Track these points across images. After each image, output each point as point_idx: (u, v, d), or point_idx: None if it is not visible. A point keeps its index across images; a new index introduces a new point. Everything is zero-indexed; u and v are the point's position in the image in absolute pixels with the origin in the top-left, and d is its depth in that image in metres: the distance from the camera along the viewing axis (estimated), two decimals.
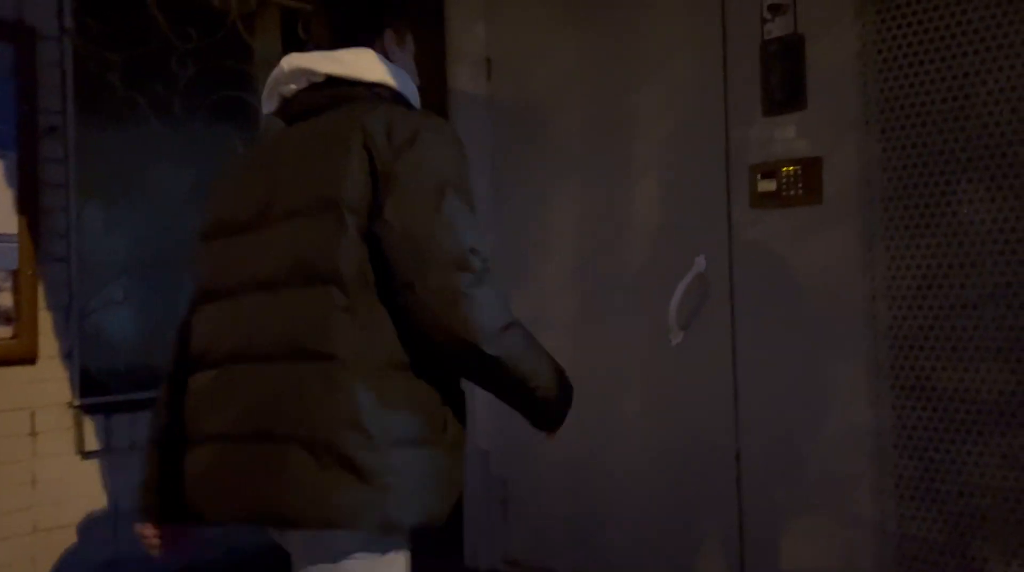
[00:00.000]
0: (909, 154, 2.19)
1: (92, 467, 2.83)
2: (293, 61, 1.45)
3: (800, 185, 2.37)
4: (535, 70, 3.00)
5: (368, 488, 1.25)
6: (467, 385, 1.37)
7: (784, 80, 2.39)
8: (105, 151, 2.97)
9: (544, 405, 1.41)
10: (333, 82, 1.42)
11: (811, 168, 2.35)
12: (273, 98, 1.49)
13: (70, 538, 2.76)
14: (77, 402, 2.78)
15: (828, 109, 2.33)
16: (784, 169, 2.39)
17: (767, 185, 2.42)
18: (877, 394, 2.25)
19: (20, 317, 2.66)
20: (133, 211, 3.05)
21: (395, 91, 1.45)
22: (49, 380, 2.74)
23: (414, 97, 1.50)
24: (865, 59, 2.26)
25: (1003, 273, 2.05)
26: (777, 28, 2.42)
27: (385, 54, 1.48)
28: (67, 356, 2.78)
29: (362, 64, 1.43)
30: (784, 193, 2.39)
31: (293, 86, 1.45)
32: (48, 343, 2.74)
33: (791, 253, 2.40)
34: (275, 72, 1.47)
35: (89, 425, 2.80)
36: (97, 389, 2.85)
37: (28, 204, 2.68)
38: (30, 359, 2.69)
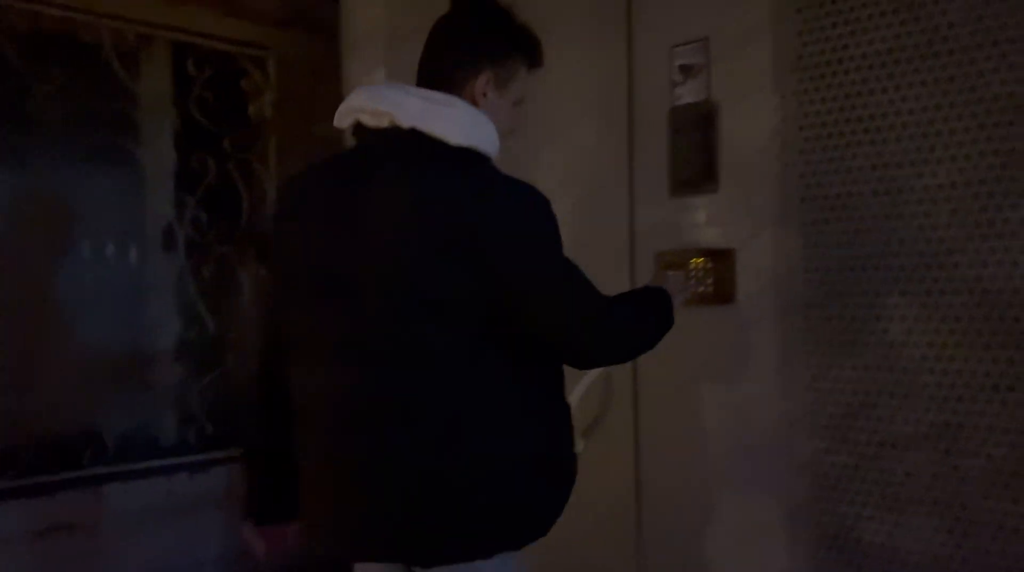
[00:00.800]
0: (834, 256, 1.82)
1: None
2: (381, 92, 1.43)
3: (710, 280, 1.99)
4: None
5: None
6: None
7: (694, 156, 2.01)
8: None
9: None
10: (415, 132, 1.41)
11: (722, 262, 1.97)
12: (347, 117, 1.47)
13: None
14: None
15: (743, 194, 1.96)
16: (693, 261, 2.01)
17: (675, 278, 2.04)
18: (794, 539, 1.88)
19: None
20: None
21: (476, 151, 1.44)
22: None
23: (492, 148, 1.47)
24: (784, 138, 1.88)
25: (940, 410, 1.67)
26: (688, 93, 2.04)
27: (473, 99, 1.47)
28: None
29: (443, 122, 1.41)
30: (692, 289, 2.01)
31: (370, 120, 1.43)
32: None
33: (699, 360, 2.03)
34: (361, 92, 1.47)
35: None
36: None
37: None
38: None
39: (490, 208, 1.38)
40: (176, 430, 3.11)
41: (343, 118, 1.47)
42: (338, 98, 2.41)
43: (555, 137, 2.29)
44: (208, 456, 3.03)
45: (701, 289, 1.98)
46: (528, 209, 1.42)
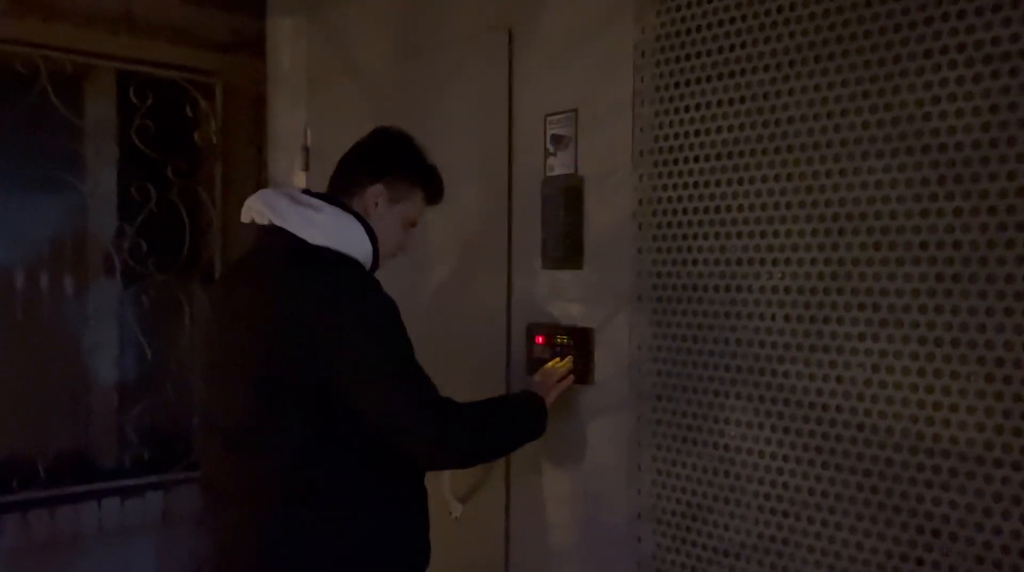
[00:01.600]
0: (681, 348, 1.75)
1: None
2: (263, 196, 1.65)
3: (569, 357, 1.94)
4: None
5: None
6: None
7: (561, 229, 1.95)
8: None
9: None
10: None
11: (583, 341, 1.92)
12: (246, 214, 1.70)
13: None
14: None
15: (604, 273, 1.89)
16: (559, 337, 1.96)
17: (543, 351, 2.00)
18: None
19: None
20: None
21: (336, 252, 1.58)
22: None
23: (358, 252, 1.61)
24: (640, 221, 1.81)
25: (767, 523, 1.60)
26: (560, 164, 1.97)
27: (365, 208, 1.67)
28: None
29: (305, 224, 1.59)
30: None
31: (257, 218, 1.67)
32: None
33: (561, 439, 1.98)
34: (256, 194, 1.67)
35: None
36: None
37: None
38: None
39: (324, 301, 1.49)
40: (111, 455, 3.17)
41: (244, 213, 1.67)
42: None
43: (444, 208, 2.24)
44: (143, 480, 3.08)
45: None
46: (360, 305, 1.52)
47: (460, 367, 2.15)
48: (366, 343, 1.51)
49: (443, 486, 2.19)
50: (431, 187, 1.77)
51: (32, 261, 3.00)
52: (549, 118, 1.97)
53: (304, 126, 2.74)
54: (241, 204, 1.68)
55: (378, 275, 1.66)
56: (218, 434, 1.62)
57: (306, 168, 2.76)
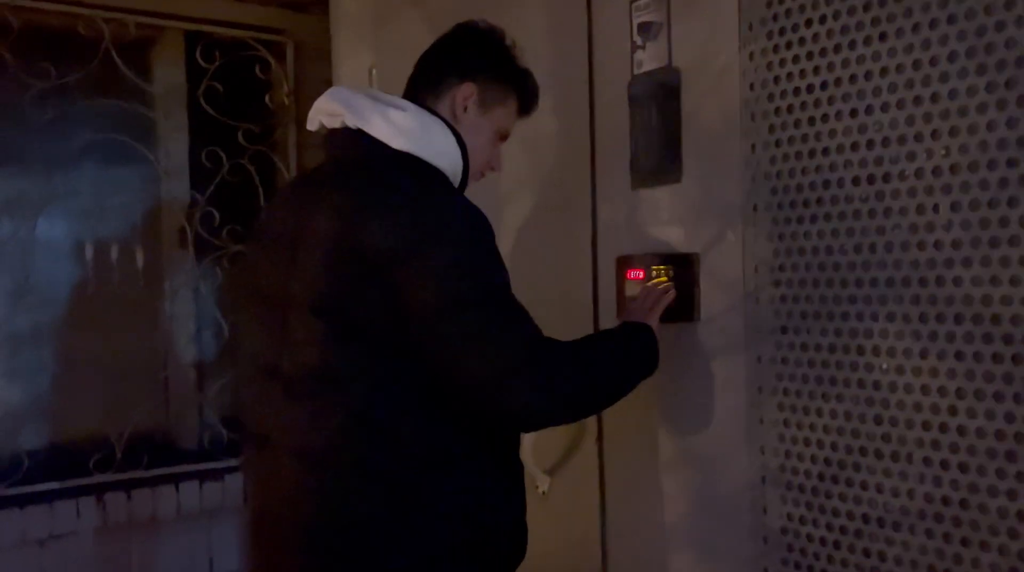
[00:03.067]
0: (809, 264, 1.37)
1: None
2: (335, 94, 1.37)
3: (671, 293, 1.59)
4: None
5: None
6: None
7: (654, 137, 1.60)
8: None
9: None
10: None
11: (684, 269, 1.57)
12: (314, 119, 1.43)
13: None
14: None
15: (708, 184, 1.54)
16: (654, 268, 1.62)
17: (635, 288, 1.66)
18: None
19: None
20: None
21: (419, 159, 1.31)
22: None
23: (445, 161, 1.34)
24: (753, 110, 1.45)
25: (937, 478, 1.21)
26: (648, 58, 1.63)
27: (453, 111, 1.40)
28: None
29: (386, 124, 1.32)
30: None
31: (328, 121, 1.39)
32: None
33: (660, 391, 1.63)
34: (325, 93, 1.40)
35: None
36: None
37: None
38: None
39: (404, 216, 1.22)
40: (190, 436, 3.01)
41: (311, 120, 1.42)
42: None
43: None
44: (222, 464, 2.91)
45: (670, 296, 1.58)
46: (447, 219, 1.24)
47: (538, 313, 1.83)
48: (453, 266, 1.21)
49: (526, 457, 1.88)
50: (526, 93, 1.48)
51: (104, 234, 2.87)
52: (634, 4, 1.63)
53: (369, 68, 2.48)
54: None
55: None
56: (275, 379, 1.32)
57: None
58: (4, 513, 2.53)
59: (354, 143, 1.33)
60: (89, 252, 2.81)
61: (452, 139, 1.34)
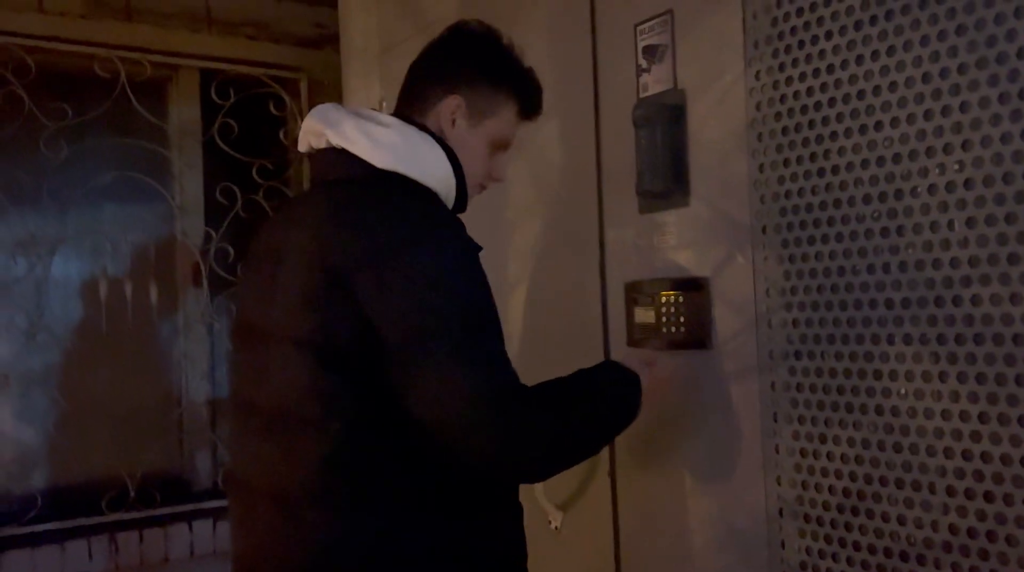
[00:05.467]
0: (822, 286, 1.33)
1: None
2: (319, 112, 1.31)
3: (682, 318, 1.54)
4: None
5: None
6: None
7: (662, 160, 1.57)
8: None
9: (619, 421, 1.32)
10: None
11: (694, 295, 1.52)
12: (303, 140, 1.36)
13: None
14: None
15: (716, 205, 1.50)
16: (663, 294, 1.58)
17: (645, 315, 1.61)
18: None
19: None
20: None
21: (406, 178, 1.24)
22: None
23: (434, 181, 1.26)
24: (760, 130, 1.41)
25: (962, 509, 1.15)
26: (654, 81, 1.61)
27: (440, 126, 1.32)
28: None
29: (368, 142, 1.25)
30: (664, 328, 1.58)
31: (314, 141, 1.33)
32: None
33: (673, 420, 1.58)
34: (311, 112, 1.34)
35: None
36: None
37: None
38: None
39: (381, 238, 1.15)
40: (204, 475, 2.98)
41: (300, 141, 1.36)
42: None
43: (522, 143, 1.91)
44: None
45: (673, 329, 1.53)
46: (425, 243, 1.16)
47: (548, 342, 1.80)
48: (424, 294, 1.14)
49: (538, 493, 1.83)
50: (526, 96, 1.38)
51: (118, 271, 2.88)
52: (639, 26, 1.61)
53: (380, 100, 2.48)
54: None
55: None
56: (254, 415, 1.27)
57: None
58: (16, 554, 2.51)
59: (337, 162, 1.27)
60: (103, 289, 2.81)
61: (441, 155, 1.27)
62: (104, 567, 2.64)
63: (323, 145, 1.30)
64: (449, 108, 1.33)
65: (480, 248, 1.24)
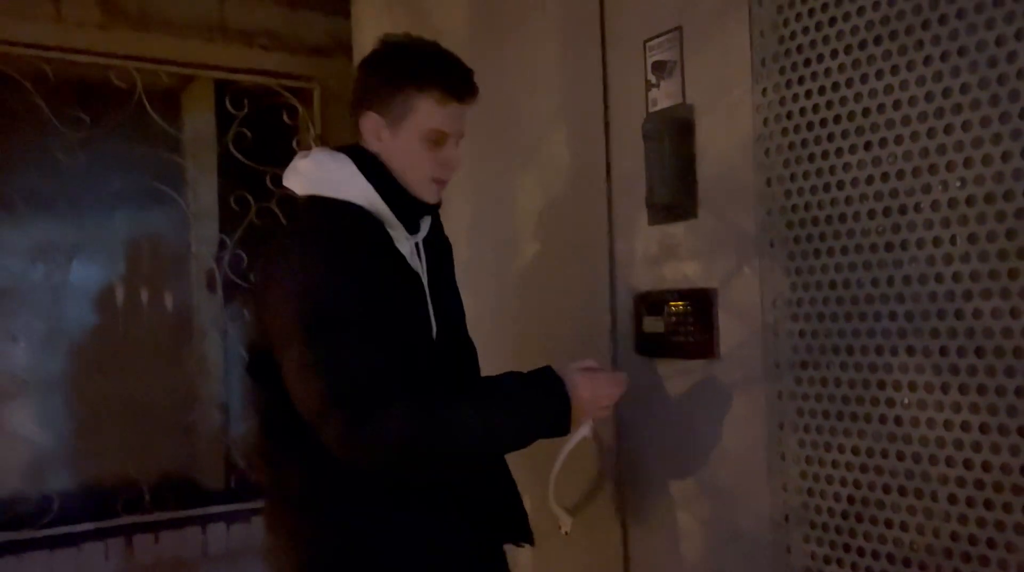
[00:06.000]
0: (827, 298, 1.36)
1: None
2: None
3: (691, 328, 1.58)
4: None
5: None
6: None
7: (670, 173, 1.61)
8: None
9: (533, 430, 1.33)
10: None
11: (702, 305, 1.56)
12: None
13: None
14: None
15: (724, 218, 1.54)
16: (672, 304, 1.61)
17: (654, 324, 1.65)
18: None
19: None
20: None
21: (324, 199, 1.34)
22: None
23: (351, 194, 1.32)
24: (767, 146, 1.45)
25: (962, 517, 1.18)
26: (663, 96, 1.64)
27: (377, 148, 1.38)
28: None
29: (293, 174, 1.41)
30: (673, 338, 1.61)
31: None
32: None
33: (681, 428, 1.61)
34: None
35: None
36: None
37: None
38: None
39: (272, 257, 1.33)
40: (217, 477, 3.02)
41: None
42: None
43: (531, 154, 1.95)
44: (249, 505, 2.91)
45: (682, 339, 1.56)
46: (295, 252, 1.29)
47: (558, 350, 1.83)
48: (286, 301, 1.25)
49: (548, 496, 1.86)
50: (439, 81, 1.34)
51: (134, 277, 2.92)
52: (648, 43, 1.65)
53: None
54: None
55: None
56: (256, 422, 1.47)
57: None
58: (34, 556, 2.55)
59: (287, 198, 1.47)
60: (119, 295, 2.86)
61: (353, 170, 1.32)
62: (120, 568, 2.68)
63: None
64: (369, 127, 1.38)
65: (370, 256, 1.28)
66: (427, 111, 1.35)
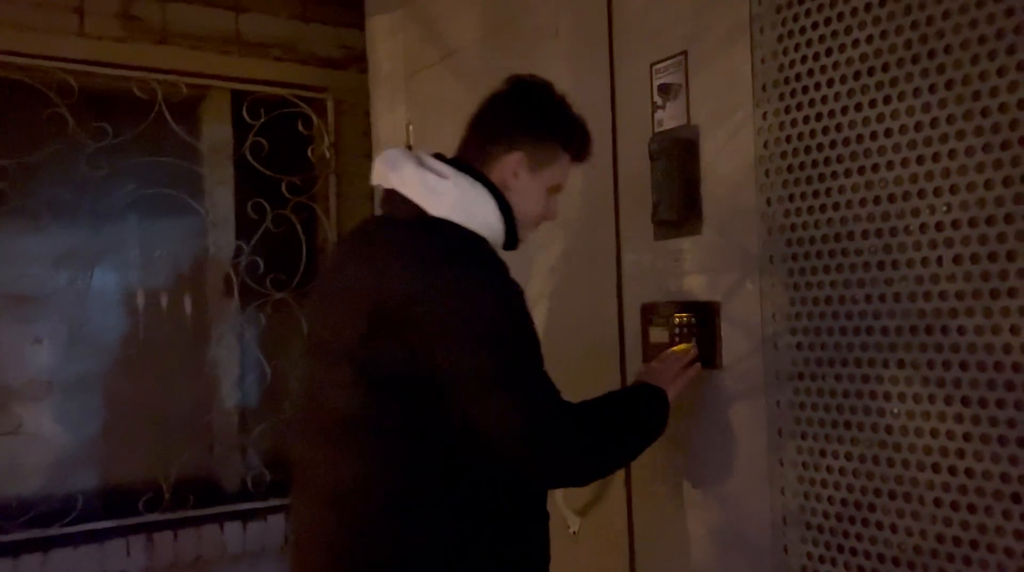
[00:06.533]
0: (823, 313, 1.45)
1: None
2: (385, 156, 1.45)
3: (694, 339, 1.66)
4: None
5: None
6: None
7: (676, 190, 1.69)
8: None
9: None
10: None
11: (706, 317, 1.64)
12: (375, 175, 1.48)
13: None
14: None
15: (727, 235, 1.62)
16: (676, 316, 1.70)
17: (659, 335, 1.74)
18: None
19: None
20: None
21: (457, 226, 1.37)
22: None
23: (486, 229, 1.39)
24: (767, 167, 1.53)
25: (947, 521, 1.27)
26: (668, 117, 1.73)
27: (503, 178, 1.44)
28: None
29: (426, 191, 1.38)
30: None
31: (382, 180, 1.46)
32: None
33: (686, 434, 1.70)
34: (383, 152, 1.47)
35: None
36: None
37: None
38: None
39: (430, 283, 1.28)
40: (234, 478, 3.11)
41: (373, 176, 1.49)
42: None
43: None
44: (265, 504, 3.00)
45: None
46: (472, 294, 1.29)
47: (568, 358, 1.91)
48: (475, 344, 1.27)
49: (558, 498, 1.95)
50: (576, 145, 1.52)
51: (154, 282, 3.01)
52: (655, 66, 1.73)
53: (406, 124, 2.61)
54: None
55: None
56: (313, 419, 1.41)
57: None
58: (59, 552, 2.64)
59: (397, 204, 1.41)
60: (140, 301, 2.95)
61: (492, 206, 1.40)
62: (142, 564, 2.77)
63: (388, 185, 1.44)
64: (511, 164, 1.45)
65: (521, 289, 1.36)
66: (562, 167, 1.50)
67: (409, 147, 2.66)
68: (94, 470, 2.91)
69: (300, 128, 3.20)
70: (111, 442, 2.89)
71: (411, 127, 2.61)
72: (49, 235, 2.82)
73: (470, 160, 1.46)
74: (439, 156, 1.46)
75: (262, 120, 3.10)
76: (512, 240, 1.47)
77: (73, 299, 2.85)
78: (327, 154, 3.19)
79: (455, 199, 1.37)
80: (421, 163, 1.41)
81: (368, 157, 3.15)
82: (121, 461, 2.92)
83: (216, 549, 2.93)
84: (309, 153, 3.22)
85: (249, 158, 3.09)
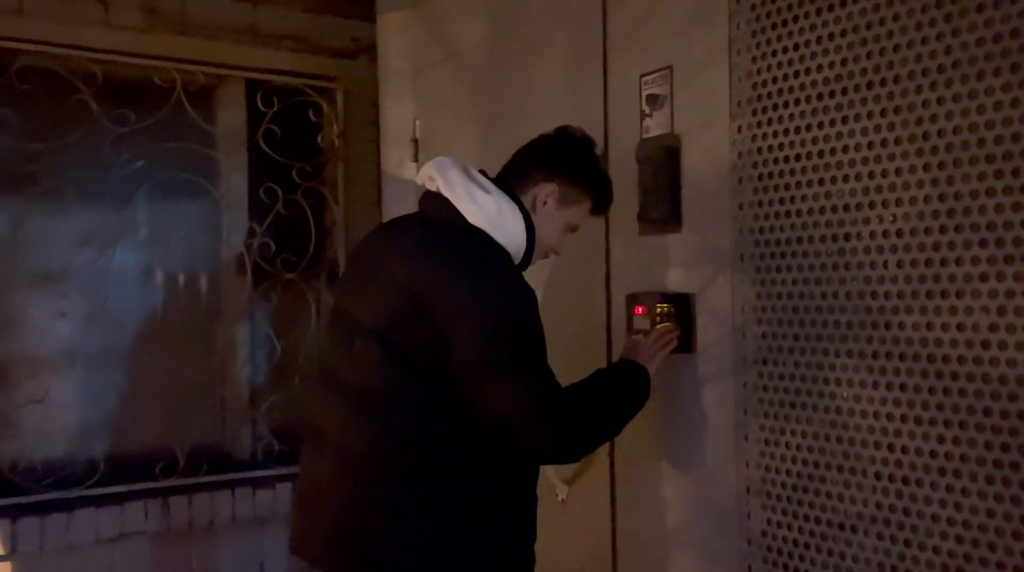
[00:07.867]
0: (785, 306, 1.63)
1: None
2: (438, 163, 1.64)
3: (673, 327, 1.84)
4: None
5: None
6: None
7: (660, 192, 1.87)
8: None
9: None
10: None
11: (683, 308, 1.83)
12: (422, 175, 1.68)
13: None
14: None
15: (703, 235, 1.80)
16: (658, 306, 1.88)
17: (642, 322, 1.92)
18: None
19: None
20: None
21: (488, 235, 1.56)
22: None
23: (511, 244, 1.58)
24: (741, 175, 1.71)
25: (886, 491, 1.46)
26: (655, 125, 1.90)
27: (534, 201, 1.64)
28: None
29: (468, 201, 1.57)
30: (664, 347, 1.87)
31: (428, 182, 1.65)
32: None
33: (665, 412, 1.89)
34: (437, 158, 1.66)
35: None
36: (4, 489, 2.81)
37: None
38: None
39: (458, 277, 1.47)
40: (245, 447, 3.29)
41: (420, 175, 1.69)
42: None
43: None
44: (274, 472, 3.18)
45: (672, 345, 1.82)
46: (494, 288, 1.48)
47: (559, 341, 2.09)
48: (491, 330, 1.47)
49: (548, 470, 2.14)
50: (601, 198, 1.72)
51: (171, 262, 3.18)
52: (644, 78, 1.90)
53: (412, 118, 2.77)
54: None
55: None
56: (335, 384, 1.59)
57: (415, 160, 2.79)
58: (81, 512, 2.82)
59: (440, 207, 1.60)
60: (158, 278, 3.12)
61: (522, 225, 1.60)
62: (159, 527, 2.96)
63: (434, 188, 1.63)
64: (545, 191, 1.65)
65: (535, 294, 1.55)
66: (583, 211, 1.71)
67: (415, 141, 2.82)
68: (114, 437, 3.08)
69: (311, 116, 3.35)
70: (130, 412, 3.07)
71: (417, 121, 2.77)
72: (74, 215, 2.99)
73: (509, 181, 1.66)
74: (482, 172, 1.66)
75: (275, 108, 3.25)
76: (526, 260, 1.65)
77: (95, 276, 3.02)
78: (336, 142, 3.34)
79: (492, 213, 1.56)
80: (468, 174, 1.61)
81: (375, 144, 3.31)
82: (139, 429, 3.10)
83: (227, 513, 3.10)
84: (319, 140, 3.37)
85: (262, 144, 3.24)
